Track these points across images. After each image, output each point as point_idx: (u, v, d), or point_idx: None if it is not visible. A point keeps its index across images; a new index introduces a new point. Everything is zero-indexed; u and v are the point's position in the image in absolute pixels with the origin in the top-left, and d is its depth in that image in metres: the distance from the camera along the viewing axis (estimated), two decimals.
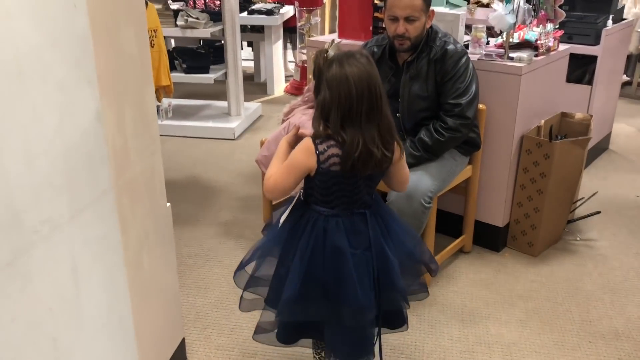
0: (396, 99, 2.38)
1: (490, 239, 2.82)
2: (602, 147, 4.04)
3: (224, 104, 4.79)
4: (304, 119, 2.78)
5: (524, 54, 2.57)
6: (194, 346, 2.17)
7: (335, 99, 1.50)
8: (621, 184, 3.54)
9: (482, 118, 2.54)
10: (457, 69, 2.26)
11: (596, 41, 3.53)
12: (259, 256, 1.68)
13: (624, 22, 3.86)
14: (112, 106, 1.48)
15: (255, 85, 5.99)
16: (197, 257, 2.77)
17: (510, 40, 2.63)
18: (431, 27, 2.32)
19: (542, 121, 2.77)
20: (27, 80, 1.16)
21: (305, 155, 1.57)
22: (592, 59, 3.56)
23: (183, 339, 2.07)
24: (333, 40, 1.67)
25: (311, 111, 2.84)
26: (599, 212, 2.98)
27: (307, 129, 2.72)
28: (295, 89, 5.81)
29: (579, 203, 2.98)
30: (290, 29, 6.10)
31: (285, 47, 6.23)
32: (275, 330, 1.73)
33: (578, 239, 2.92)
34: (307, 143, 1.57)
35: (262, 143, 2.93)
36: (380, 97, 1.51)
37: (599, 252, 2.82)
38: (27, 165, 1.18)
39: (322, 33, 6.00)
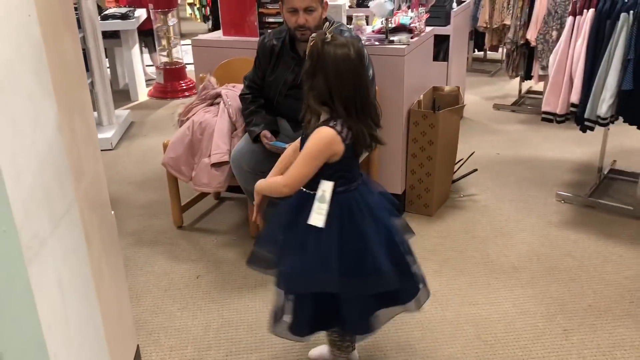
0: (301, 87, 2.51)
1: None
2: None
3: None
4: (207, 116, 2.82)
5: (402, 37, 2.87)
6: (146, 352, 2.15)
7: (339, 83, 1.59)
8: (482, 145, 4.05)
9: (377, 98, 2.79)
10: None
11: (446, 22, 3.98)
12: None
13: (463, 3, 4.38)
14: (65, 116, 1.45)
15: (116, 92, 5.74)
16: None
17: (389, 25, 2.91)
18: (326, 17, 2.50)
19: (421, 95, 3.10)
20: (5, 91, 1.13)
21: (329, 144, 1.63)
22: (445, 38, 4.01)
23: (137, 346, 2.06)
24: (332, 23, 1.71)
25: (213, 108, 2.89)
26: (476, 170, 3.40)
27: (212, 126, 2.77)
28: (160, 92, 5.70)
29: (459, 164, 3.38)
30: (144, 32, 5.95)
31: (141, 51, 6.06)
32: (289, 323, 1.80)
33: (462, 195, 3.32)
34: (327, 132, 1.62)
35: (164, 146, 2.92)
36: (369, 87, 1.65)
37: (481, 204, 3.24)
38: (16, 180, 1.15)
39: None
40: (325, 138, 1.63)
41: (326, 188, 1.67)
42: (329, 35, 1.62)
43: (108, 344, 1.68)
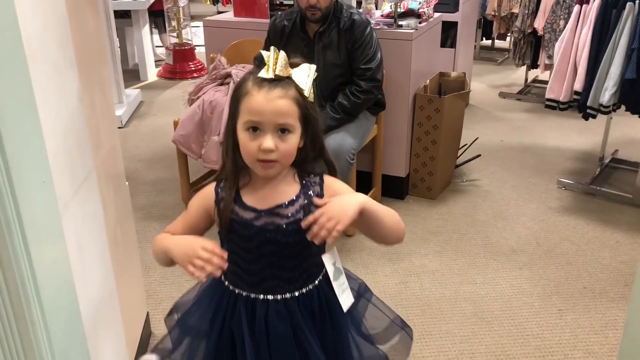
0: None
1: (396, 189, 3.17)
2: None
3: None
4: (218, 95, 2.89)
5: (410, 22, 2.92)
6: (155, 319, 2.24)
7: None
8: (486, 132, 4.10)
9: (384, 81, 2.85)
10: (365, 37, 2.52)
11: (455, 8, 4.02)
12: None
13: None
14: (86, 87, 1.52)
15: (125, 72, 5.80)
16: None
17: (398, 9, 2.96)
18: (337, 0, 2.56)
19: (428, 80, 3.15)
20: (35, 61, 1.19)
21: None
22: (454, 25, 4.05)
23: (147, 313, 2.14)
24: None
25: (223, 88, 2.96)
26: (479, 156, 3.46)
27: (222, 105, 2.84)
28: (169, 73, 5.76)
29: (462, 150, 3.44)
30: (154, 13, 5.99)
31: (151, 32, 6.12)
32: None
33: (464, 180, 3.39)
34: None
35: (175, 123, 2.99)
36: None
37: (483, 189, 3.30)
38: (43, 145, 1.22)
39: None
40: None
41: (333, 258, 1.27)
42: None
43: (121, 308, 1.76)
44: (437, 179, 3.16)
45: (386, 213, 1.21)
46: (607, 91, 2.74)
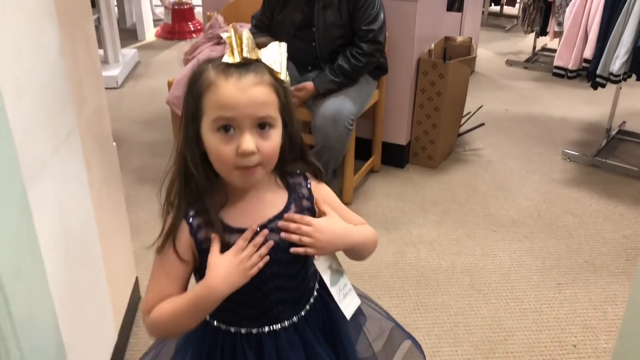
0: (310, 29, 2.49)
1: (396, 157, 3.10)
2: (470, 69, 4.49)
3: (99, 52, 4.53)
4: (214, 55, 2.78)
5: None
6: (145, 284, 2.18)
7: None
8: (491, 101, 3.99)
9: (386, 44, 2.74)
10: None
11: None
12: None
13: None
14: (67, 41, 1.44)
15: (123, 31, 5.66)
16: None
17: None
18: None
19: (432, 45, 3.04)
20: (7, 10, 1.11)
21: None
22: None
23: (137, 278, 2.10)
24: None
25: (219, 47, 2.85)
26: (483, 124, 3.37)
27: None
28: (168, 33, 5.62)
29: (466, 118, 3.35)
30: None
31: None
32: None
33: (467, 149, 3.31)
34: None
35: (169, 84, 2.90)
36: None
37: (485, 159, 3.22)
38: (17, 100, 1.14)
39: None
40: None
41: (328, 260, 1.11)
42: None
43: (106, 271, 1.71)
44: (439, 147, 3.07)
45: (369, 240, 1.12)
46: (618, 59, 2.63)
